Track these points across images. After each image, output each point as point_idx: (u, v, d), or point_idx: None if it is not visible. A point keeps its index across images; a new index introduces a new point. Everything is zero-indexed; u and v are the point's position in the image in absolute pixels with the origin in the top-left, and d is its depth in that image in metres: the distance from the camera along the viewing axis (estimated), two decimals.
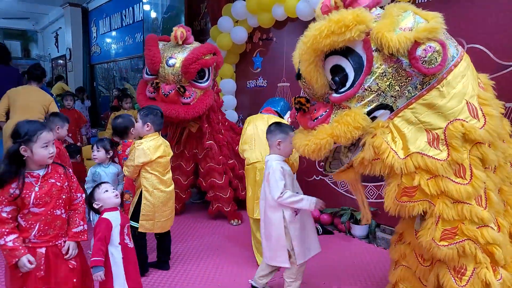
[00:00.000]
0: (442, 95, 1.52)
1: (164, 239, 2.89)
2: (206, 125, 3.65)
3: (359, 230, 3.47)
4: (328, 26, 1.44)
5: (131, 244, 2.12)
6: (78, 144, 5.10)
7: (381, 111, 1.57)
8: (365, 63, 1.50)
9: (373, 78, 1.51)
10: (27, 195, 1.74)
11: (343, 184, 3.78)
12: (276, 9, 3.94)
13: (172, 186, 2.77)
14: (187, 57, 3.29)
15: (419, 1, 3.01)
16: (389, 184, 1.63)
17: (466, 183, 1.51)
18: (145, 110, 2.64)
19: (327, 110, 1.64)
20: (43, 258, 1.78)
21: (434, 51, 1.44)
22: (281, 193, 2.16)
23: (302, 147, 1.67)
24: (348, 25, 1.42)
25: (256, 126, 2.98)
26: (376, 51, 1.49)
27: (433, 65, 1.46)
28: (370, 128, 1.57)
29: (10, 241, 1.70)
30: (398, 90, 1.52)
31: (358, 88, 1.53)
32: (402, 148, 1.55)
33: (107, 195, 2.09)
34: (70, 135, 5.08)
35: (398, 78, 1.51)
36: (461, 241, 1.55)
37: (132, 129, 2.99)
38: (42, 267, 1.77)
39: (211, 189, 3.83)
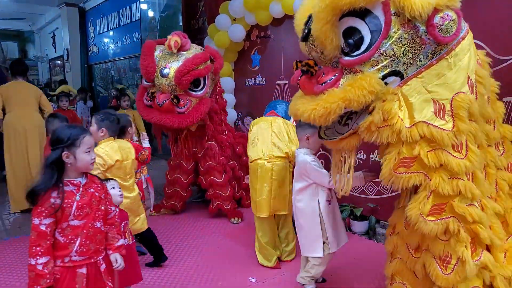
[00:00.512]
0: (450, 66, 1.52)
1: (145, 238, 2.83)
2: (208, 126, 3.67)
3: (359, 227, 3.48)
4: None
5: (127, 241, 2.13)
6: None
7: (392, 78, 1.54)
8: (383, 26, 1.46)
9: (389, 42, 1.48)
10: (68, 205, 1.60)
11: None
12: (273, 6, 3.94)
13: (136, 192, 2.63)
14: (179, 69, 3.24)
15: None
16: (389, 153, 1.59)
17: (463, 157, 1.51)
18: (101, 115, 2.55)
19: (336, 74, 1.58)
20: (84, 280, 1.65)
21: (451, 20, 1.44)
22: (330, 176, 2.22)
23: (308, 112, 1.58)
24: None
25: (259, 126, 3.01)
26: (394, 14, 1.46)
27: (448, 34, 1.46)
28: (381, 94, 1.54)
29: (41, 264, 1.54)
30: (410, 57, 1.51)
31: (374, 51, 1.49)
32: (408, 117, 1.53)
33: (113, 192, 2.08)
34: None
35: (413, 45, 1.49)
36: (447, 217, 1.55)
37: (129, 128, 3.00)
38: None
39: (211, 187, 3.85)
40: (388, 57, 1.50)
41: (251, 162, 2.94)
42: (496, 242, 1.62)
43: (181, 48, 3.36)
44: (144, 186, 3.21)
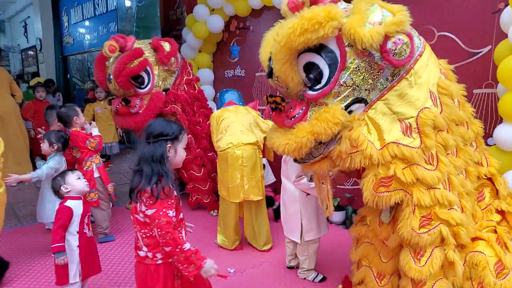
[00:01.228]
0: (411, 85, 1.58)
1: None
2: (180, 117, 3.61)
3: (336, 217, 3.55)
4: (301, 24, 1.43)
5: (89, 233, 2.19)
6: None
7: (357, 105, 1.60)
8: (339, 59, 1.52)
9: (347, 73, 1.53)
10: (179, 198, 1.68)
11: None
12: None
13: (3, 188, 2.41)
14: (113, 72, 3.27)
15: None
16: (366, 176, 1.66)
17: (434, 169, 1.59)
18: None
19: (303, 107, 1.64)
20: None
21: (403, 43, 1.50)
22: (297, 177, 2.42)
23: (282, 146, 1.65)
24: (321, 22, 1.42)
25: (227, 117, 3.06)
26: (348, 46, 1.50)
27: (403, 57, 1.52)
28: (347, 122, 1.60)
29: (189, 249, 1.58)
30: (371, 83, 1.57)
31: (334, 84, 1.55)
32: (378, 139, 1.60)
33: (79, 182, 2.16)
34: (43, 127, 4.96)
35: (371, 71, 1.55)
36: (437, 225, 1.62)
37: (75, 117, 3.07)
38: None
39: (191, 181, 3.84)
40: (349, 87, 1.56)
41: (221, 152, 2.98)
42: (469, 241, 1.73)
43: (122, 50, 3.33)
44: (96, 175, 3.16)
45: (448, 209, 1.62)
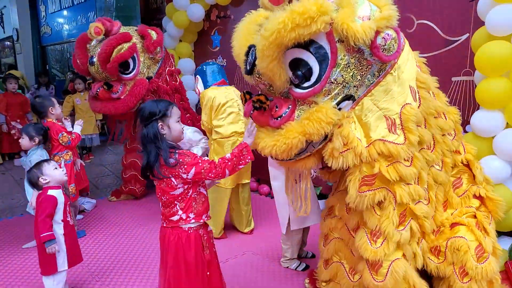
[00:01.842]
0: (394, 80, 1.56)
1: None
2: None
3: (320, 205, 3.56)
4: (292, 19, 1.34)
5: (71, 222, 2.25)
6: None
7: (346, 102, 1.55)
8: (330, 55, 1.45)
9: (338, 70, 1.47)
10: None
11: None
12: None
13: None
14: (99, 54, 3.17)
15: None
16: (352, 173, 1.61)
17: (409, 165, 1.58)
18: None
19: (290, 106, 1.56)
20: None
21: (391, 39, 1.46)
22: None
23: (269, 148, 1.56)
24: (313, 16, 1.33)
25: (228, 104, 2.96)
26: (339, 42, 1.45)
27: (391, 52, 1.49)
28: (337, 120, 1.55)
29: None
30: (359, 79, 1.52)
31: (325, 82, 1.47)
32: (364, 137, 1.57)
33: (58, 172, 2.18)
34: (18, 121, 4.81)
35: (360, 67, 1.50)
36: (409, 221, 1.66)
37: (51, 108, 2.98)
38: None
39: None
40: (339, 84, 1.50)
41: (222, 138, 2.94)
42: (433, 227, 1.78)
43: (108, 34, 3.25)
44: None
45: (416, 203, 1.64)
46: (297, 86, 1.53)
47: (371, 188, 1.57)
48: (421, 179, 1.67)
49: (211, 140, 3.04)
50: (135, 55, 3.32)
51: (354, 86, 1.53)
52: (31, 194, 2.86)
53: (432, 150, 1.70)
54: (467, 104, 2.67)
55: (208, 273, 1.81)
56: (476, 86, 2.41)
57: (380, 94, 1.56)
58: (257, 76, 1.57)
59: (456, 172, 1.96)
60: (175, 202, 1.74)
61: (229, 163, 1.69)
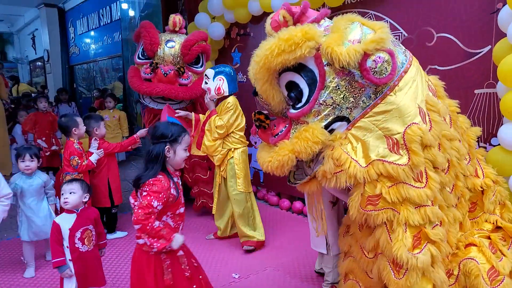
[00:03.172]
0: (396, 101, 1.54)
1: None
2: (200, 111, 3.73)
3: None
4: (278, 45, 1.45)
5: (84, 248, 2.11)
6: (53, 148, 4.98)
7: (338, 123, 1.60)
8: (318, 78, 1.51)
9: (327, 92, 1.53)
10: (179, 196, 1.81)
11: None
12: (251, 4, 3.95)
13: None
14: (189, 39, 3.53)
15: None
16: (352, 194, 1.62)
17: (423, 186, 1.54)
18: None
19: (287, 125, 1.65)
20: (185, 260, 1.85)
21: (383, 61, 1.47)
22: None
23: (265, 164, 1.68)
24: (298, 42, 1.43)
25: None
26: (327, 65, 1.50)
27: (384, 75, 1.49)
28: (329, 141, 1.58)
29: (157, 225, 1.70)
30: (352, 101, 1.55)
31: (314, 103, 1.54)
32: (363, 157, 1.55)
33: (62, 198, 2.13)
34: (43, 139, 4.92)
35: (352, 90, 1.53)
36: (425, 245, 1.57)
37: (74, 128, 3.05)
38: (188, 268, 1.83)
39: (196, 184, 3.86)
40: (329, 106, 1.54)
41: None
42: (448, 250, 1.67)
43: (179, 30, 3.72)
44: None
45: (433, 227, 1.58)
46: (293, 107, 1.61)
47: (376, 208, 1.55)
48: (435, 201, 1.61)
49: (229, 144, 3.10)
50: (204, 54, 3.72)
51: (347, 108, 1.56)
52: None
53: (446, 173, 1.65)
54: (491, 116, 2.62)
55: None
56: (499, 98, 2.37)
57: (379, 115, 1.55)
58: (260, 97, 1.68)
59: (473, 196, 1.89)
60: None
61: (149, 226, 1.66)
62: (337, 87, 1.52)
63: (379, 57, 1.46)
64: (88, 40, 8.65)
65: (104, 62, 8.23)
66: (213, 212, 3.37)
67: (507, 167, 2.09)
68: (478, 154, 1.91)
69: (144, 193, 1.69)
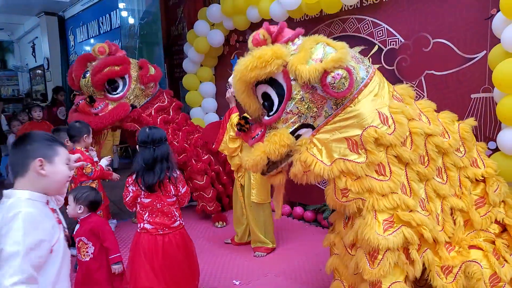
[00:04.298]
0: (354, 111, 1.76)
1: None
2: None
3: None
4: (252, 62, 1.68)
5: (80, 257, 2.19)
6: None
7: (304, 129, 1.82)
8: (286, 91, 1.74)
9: (293, 103, 1.75)
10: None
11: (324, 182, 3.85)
12: (250, 11, 3.99)
13: None
14: (94, 68, 3.37)
15: None
16: (327, 185, 1.89)
17: (387, 179, 1.75)
18: None
19: (262, 130, 1.89)
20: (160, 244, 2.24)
21: (341, 78, 1.67)
22: None
23: (244, 162, 1.93)
24: (268, 60, 1.65)
25: None
26: (294, 80, 1.72)
27: (341, 89, 1.69)
28: (297, 146, 1.82)
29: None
30: (316, 111, 1.78)
31: (282, 112, 1.77)
32: (327, 157, 1.79)
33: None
34: None
35: (315, 101, 1.76)
36: (399, 227, 1.72)
37: (86, 135, 3.03)
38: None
39: (195, 191, 3.91)
40: (295, 114, 1.78)
41: None
42: (441, 238, 1.79)
43: (110, 55, 3.50)
44: None
45: (409, 211, 1.74)
46: (267, 114, 1.85)
47: (347, 199, 1.79)
48: (413, 190, 1.79)
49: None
50: (126, 78, 3.51)
51: (311, 117, 1.79)
52: None
53: (426, 166, 1.83)
54: (488, 120, 2.65)
55: None
56: (496, 102, 2.40)
57: (340, 122, 1.77)
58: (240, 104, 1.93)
59: (480, 191, 1.95)
60: (173, 208, 2.24)
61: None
62: (302, 99, 1.74)
63: (338, 74, 1.65)
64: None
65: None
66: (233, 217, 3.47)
67: (508, 172, 2.12)
68: (478, 147, 2.04)
69: (182, 183, 2.27)
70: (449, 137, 1.90)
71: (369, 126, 1.72)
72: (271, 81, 1.74)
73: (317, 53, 1.70)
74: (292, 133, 1.81)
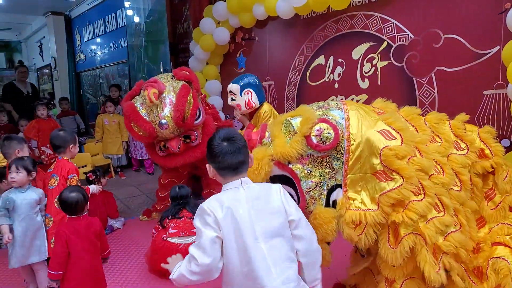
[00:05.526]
0: (358, 144, 1.65)
1: None
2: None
3: None
4: (252, 171, 1.64)
5: None
6: None
7: (334, 193, 1.69)
8: (291, 177, 1.68)
9: (305, 180, 1.67)
10: None
11: None
12: (256, 8, 3.95)
13: None
14: (177, 117, 3.04)
15: None
16: (380, 235, 1.67)
17: (423, 198, 1.60)
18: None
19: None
20: None
21: (323, 130, 1.60)
22: None
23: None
24: (257, 167, 1.64)
25: None
26: (289, 163, 1.65)
27: (331, 139, 1.61)
28: (339, 212, 1.67)
29: None
30: (328, 171, 1.67)
31: (303, 195, 1.67)
32: (371, 202, 1.65)
33: None
34: (48, 145, 4.86)
35: (320, 164, 1.67)
36: (441, 257, 1.60)
37: (72, 145, 2.64)
38: None
39: (207, 186, 3.89)
40: (315, 188, 1.68)
41: None
42: (470, 248, 1.70)
43: (159, 94, 3.12)
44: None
45: (446, 235, 1.60)
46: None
47: (399, 239, 1.60)
48: (445, 205, 1.63)
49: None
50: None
51: (330, 178, 1.68)
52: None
53: (444, 174, 1.69)
54: (501, 118, 2.58)
55: None
56: (510, 99, 2.33)
57: (356, 164, 1.65)
58: None
59: (491, 182, 1.88)
60: None
61: None
62: (309, 172, 1.66)
63: (318, 130, 1.60)
64: (94, 47, 8.72)
65: (110, 68, 8.28)
66: None
67: None
68: (483, 134, 1.90)
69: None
70: (441, 140, 1.79)
71: (381, 149, 1.62)
72: (273, 180, 1.68)
73: (288, 130, 1.68)
74: (327, 204, 1.69)
